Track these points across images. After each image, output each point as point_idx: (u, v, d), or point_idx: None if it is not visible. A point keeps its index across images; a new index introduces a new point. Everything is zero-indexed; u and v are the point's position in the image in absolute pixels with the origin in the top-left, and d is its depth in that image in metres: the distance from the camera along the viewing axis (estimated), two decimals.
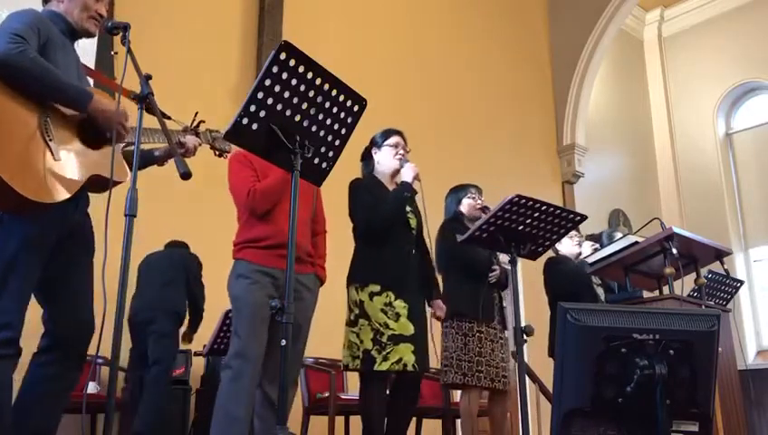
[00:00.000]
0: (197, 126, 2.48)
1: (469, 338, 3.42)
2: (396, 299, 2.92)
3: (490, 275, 3.51)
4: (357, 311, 2.95)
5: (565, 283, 3.92)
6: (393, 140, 3.17)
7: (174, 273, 4.11)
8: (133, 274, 4.09)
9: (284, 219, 2.71)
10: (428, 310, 3.20)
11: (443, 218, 3.78)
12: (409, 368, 2.85)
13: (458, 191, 3.78)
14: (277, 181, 2.67)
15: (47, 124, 1.95)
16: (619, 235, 4.45)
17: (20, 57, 1.86)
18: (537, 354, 4.02)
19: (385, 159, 3.17)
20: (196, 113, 2.47)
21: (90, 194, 2.19)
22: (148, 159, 2.38)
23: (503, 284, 3.65)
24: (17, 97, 1.89)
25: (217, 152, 2.62)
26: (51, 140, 1.94)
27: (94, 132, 2.09)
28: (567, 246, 4.11)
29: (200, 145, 2.47)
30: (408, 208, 3.10)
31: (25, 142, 1.88)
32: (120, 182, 2.10)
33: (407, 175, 3.05)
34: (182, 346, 4.23)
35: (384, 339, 2.86)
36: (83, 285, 2.14)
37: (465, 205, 3.69)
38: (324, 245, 3.01)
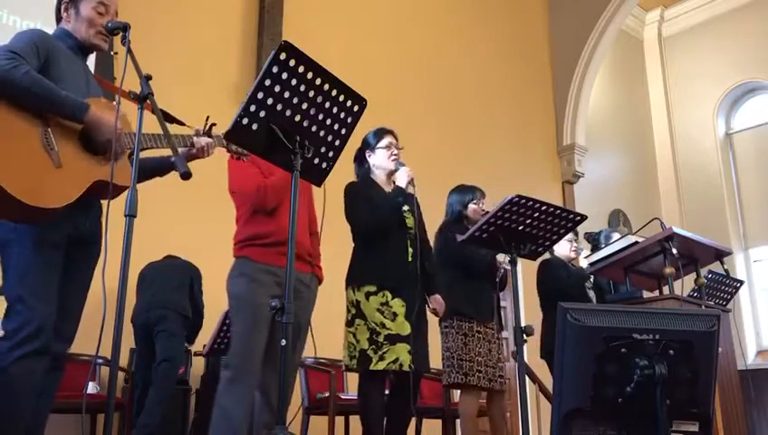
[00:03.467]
0: (209, 129, 2.47)
1: (469, 338, 3.43)
2: (393, 298, 2.92)
3: (498, 274, 3.51)
4: (354, 311, 2.96)
5: (559, 289, 3.89)
6: (385, 141, 3.16)
7: (181, 278, 4.18)
8: (132, 278, 4.10)
9: (287, 217, 2.71)
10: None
11: (443, 217, 3.77)
12: (405, 368, 2.85)
13: (464, 193, 3.75)
14: (286, 177, 2.64)
15: (48, 135, 2.01)
16: (616, 235, 4.44)
17: (12, 72, 1.93)
18: (537, 354, 4.02)
19: (380, 162, 3.16)
20: (208, 117, 2.45)
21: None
22: (165, 166, 2.40)
23: (502, 284, 3.64)
24: (18, 111, 1.96)
25: (236, 155, 2.60)
26: (51, 149, 2.00)
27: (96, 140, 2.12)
28: (563, 247, 4.08)
29: (215, 146, 2.46)
30: (405, 208, 3.10)
31: (26, 153, 1.94)
32: (125, 187, 2.10)
33: (401, 180, 3.05)
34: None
35: (380, 339, 2.86)
36: (78, 300, 2.20)
37: (471, 210, 3.65)
38: (318, 245, 2.99)
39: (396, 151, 3.15)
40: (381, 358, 2.84)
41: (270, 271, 2.68)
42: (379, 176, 3.18)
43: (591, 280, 4.21)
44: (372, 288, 2.93)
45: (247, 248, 2.74)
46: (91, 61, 4.26)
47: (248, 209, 2.79)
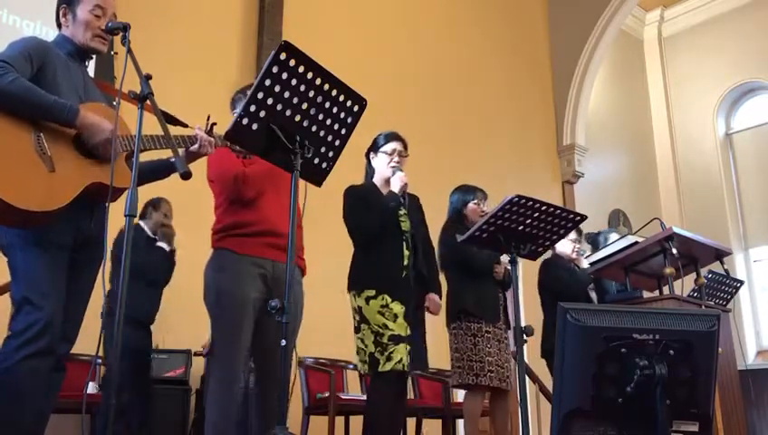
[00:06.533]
0: (211, 129, 2.47)
1: (478, 338, 3.43)
2: (392, 301, 2.94)
3: (495, 271, 3.52)
4: (358, 317, 2.98)
5: (561, 289, 3.88)
6: (389, 146, 3.16)
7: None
8: None
9: (270, 207, 2.65)
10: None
11: (445, 217, 3.76)
12: (406, 368, 2.88)
13: (466, 193, 3.75)
14: (267, 168, 2.53)
15: (40, 139, 2.02)
16: (614, 235, 4.44)
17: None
18: (537, 354, 4.02)
19: (379, 166, 3.18)
20: (209, 117, 2.46)
21: None
22: (165, 168, 2.38)
23: (506, 283, 3.64)
24: (9, 118, 1.98)
25: (241, 155, 2.58)
26: (44, 153, 2.01)
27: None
28: (565, 247, 4.06)
29: (216, 145, 2.44)
30: (401, 211, 3.09)
31: (18, 158, 1.96)
32: (123, 189, 2.10)
33: (394, 185, 3.05)
34: (182, 346, 4.23)
35: (385, 340, 2.88)
36: (81, 302, 2.20)
37: (470, 209, 3.66)
38: (302, 238, 2.92)
39: (397, 159, 3.14)
40: (388, 358, 2.86)
41: (254, 263, 2.60)
42: (378, 179, 3.20)
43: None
44: (371, 292, 2.95)
45: (228, 239, 2.64)
46: (92, 61, 4.27)
47: (227, 198, 2.70)
